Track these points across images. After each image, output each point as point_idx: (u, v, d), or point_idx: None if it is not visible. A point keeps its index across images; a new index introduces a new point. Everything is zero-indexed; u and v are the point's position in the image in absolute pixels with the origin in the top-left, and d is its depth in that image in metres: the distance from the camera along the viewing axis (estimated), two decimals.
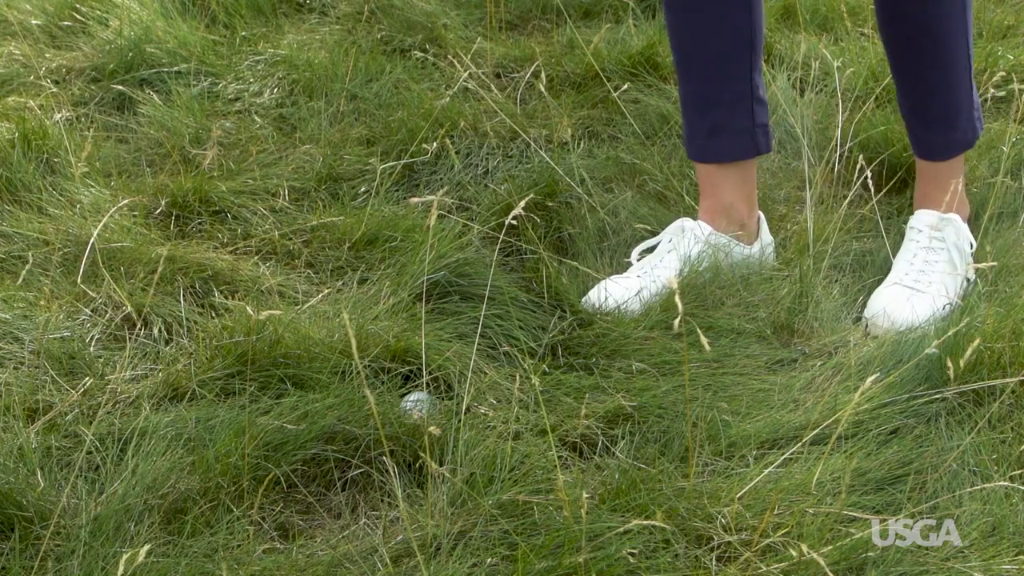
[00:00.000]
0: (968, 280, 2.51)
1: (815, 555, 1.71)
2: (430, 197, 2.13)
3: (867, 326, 2.42)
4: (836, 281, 2.54)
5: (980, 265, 2.30)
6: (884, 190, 2.78)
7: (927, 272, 2.49)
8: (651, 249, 2.58)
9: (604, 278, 2.50)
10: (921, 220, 2.55)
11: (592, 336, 2.34)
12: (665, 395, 2.20)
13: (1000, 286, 2.46)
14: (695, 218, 2.58)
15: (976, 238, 2.60)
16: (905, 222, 2.62)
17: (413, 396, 2.16)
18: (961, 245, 2.53)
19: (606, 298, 2.41)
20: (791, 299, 2.44)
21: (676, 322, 1.81)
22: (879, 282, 2.53)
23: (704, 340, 1.89)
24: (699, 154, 2.57)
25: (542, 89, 3.01)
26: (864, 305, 2.48)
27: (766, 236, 2.61)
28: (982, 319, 2.27)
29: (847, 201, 2.77)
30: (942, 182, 2.58)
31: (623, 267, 2.58)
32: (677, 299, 1.81)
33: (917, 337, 2.30)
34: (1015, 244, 2.59)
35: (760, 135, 2.55)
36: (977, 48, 3.26)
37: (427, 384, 2.20)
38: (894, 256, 2.58)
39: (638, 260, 2.56)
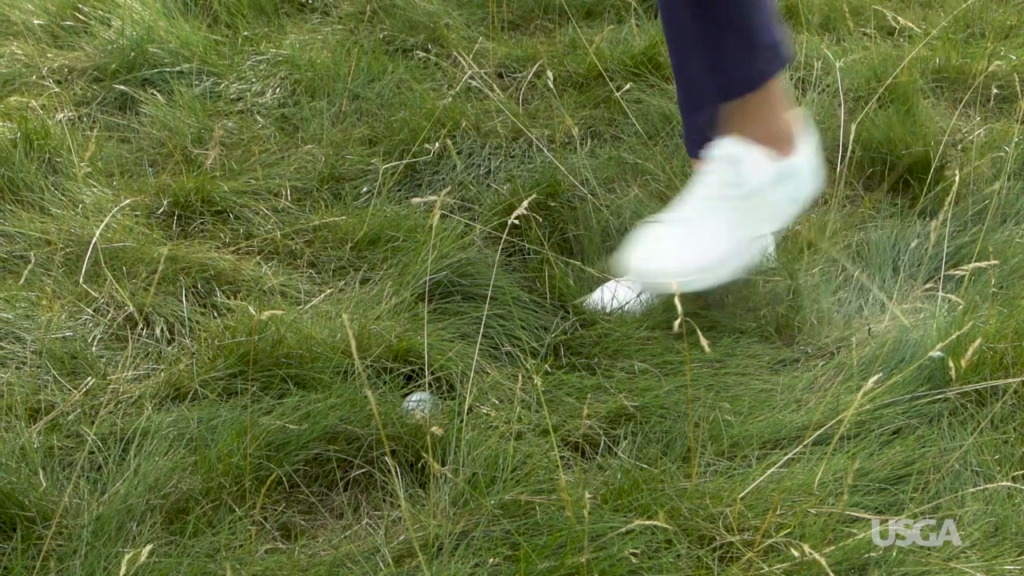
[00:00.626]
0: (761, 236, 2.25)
1: (817, 555, 1.71)
2: (432, 197, 2.13)
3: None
4: (837, 279, 2.54)
5: (981, 264, 2.29)
6: (886, 189, 2.78)
7: (702, 212, 2.25)
8: None
9: (607, 278, 2.50)
10: (718, 147, 2.31)
11: (594, 336, 2.33)
12: (667, 395, 2.20)
13: (1003, 287, 2.45)
14: None
15: (980, 239, 2.59)
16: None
17: (415, 396, 2.16)
18: (733, 155, 2.26)
19: (610, 299, 2.41)
20: (793, 298, 2.44)
21: (676, 324, 1.81)
22: (879, 279, 2.53)
23: (704, 342, 1.89)
24: (697, 150, 2.53)
25: (549, 84, 3.01)
26: (863, 307, 2.48)
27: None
28: (984, 319, 2.26)
29: (848, 200, 2.78)
30: (742, 114, 2.29)
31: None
32: (676, 301, 1.81)
33: (920, 337, 2.30)
34: (1018, 245, 2.59)
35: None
36: (979, 48, 3.26)
37: (429, 384, 2.20)
38: (894, 254, 2.57)
39: None
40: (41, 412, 2.13)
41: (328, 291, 2.44)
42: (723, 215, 2.20)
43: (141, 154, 2.91)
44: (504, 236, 2.52)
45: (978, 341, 2.13)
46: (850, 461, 2.03)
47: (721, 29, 2.23)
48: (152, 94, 3.08)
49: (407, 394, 2.18)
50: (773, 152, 2.28)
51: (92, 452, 2.02)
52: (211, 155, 2.78)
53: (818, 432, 2.08)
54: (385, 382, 2.20)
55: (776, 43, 2.28)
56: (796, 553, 1.75)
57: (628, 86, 3.09)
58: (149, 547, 1.62)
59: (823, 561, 1.70)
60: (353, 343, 1.78)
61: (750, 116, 2.27)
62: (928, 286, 2.47)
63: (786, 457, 2.02)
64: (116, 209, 2.58)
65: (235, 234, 2.62)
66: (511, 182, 2.77)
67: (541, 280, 2.44)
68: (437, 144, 2.82)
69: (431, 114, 2.93)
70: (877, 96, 3.00)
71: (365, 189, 2.78)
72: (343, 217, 2.63)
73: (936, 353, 2.16)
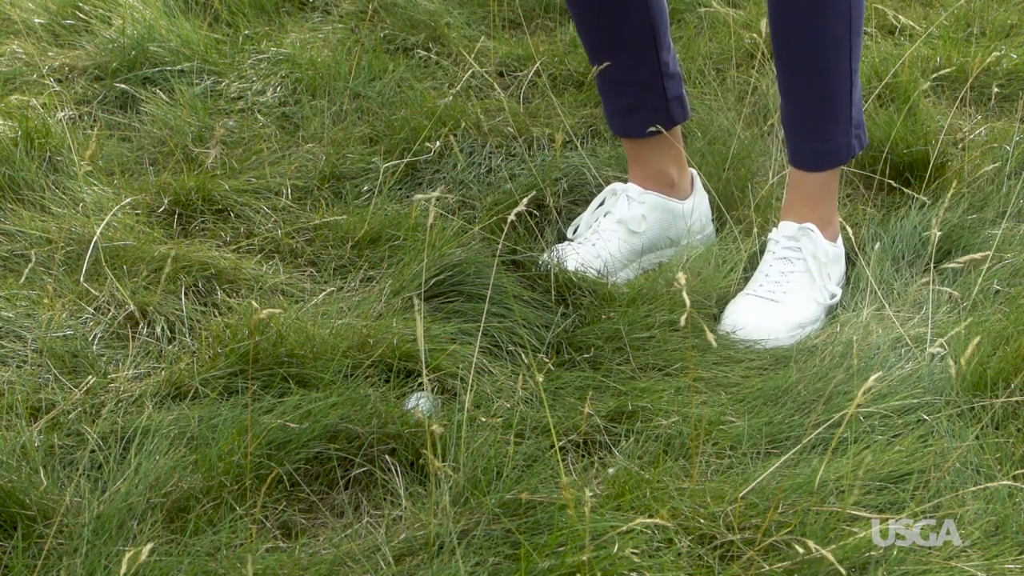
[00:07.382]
0: (833, 296, 2.47)
1: (824, 551, 1.71)
2: (432, 194, 2.13)
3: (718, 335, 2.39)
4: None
5: (977, 256, 2.28)
6: (886, 188, 2.78)
7: (782, 283, 2.45)
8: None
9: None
10: (779, 231, 2.51)
11: (596, 334, 2.33)
12: (669, 393, 2.20)
13: (1004, 285, 2.45)
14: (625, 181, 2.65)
15: (979, 236, 2.59)
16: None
17: (414, 396, 2.16)
18: (819, 255, 2.47)
19: (565, 260, 2.48)
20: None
21: (683, 319, 1.81)
22: (879, 272, 2.53)
23: (711, 337, 1.89)
24: (620, 130, 2.63)
25: (546, 85, 3.01)
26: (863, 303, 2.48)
27: (700, 192, 2.67)
28: (986, 317, 2.26)
29: (848, 198, 2.78)
30: (809, 195, 2.51)
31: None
32: (685, 295, 1.81)
33: (920, 334, 2.30)
34: (1019, 243, 2.58)
35: (675, 107, 2.60)
36: (980, 47, 3.26)
37: (429, 383, 2.20)
38: (891, 245, 2.57)
39: (574, 234, 2.62)
40: (42, 411, 2.13)
41: (329, 290, 2.44)
42: (798, 283, 2.46)
43: (142, 153, 2.91)
44: (504, 234, 2.52)
45: (977, 339, 2.13)
46: (851, 459, 2.03)
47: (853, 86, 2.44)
48: (153, 92, 3.08)
49: (405, 395, 2.18)
50: (817, 227, 2.50)
51: (93, 451, 2.02)
52: (212, 154, 2.78)
53: (819, 431, 2.08)
54: (386, 380, 2.20)
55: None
56: (800, 550, 1.75)
57: None
58: (150, 546, 1.62)
59: (830, 555, 1.70)
60: (360, 340, 1.78)
61: (810, 194, 2.52)
62: (924, 280, 2.47)
63: (787, 455, 2.02)
64: (117, 208, 2.58)
65: (236, 233, 2.62)
66: (511, 181, 2.77)
67: (541, 278, 2.44)
68: (438, 143, 2.82)
69: (432, 113, 2.93)
70: (877, 95, 3.00)
71: (366, 188, 2.78)
72: (344, 216, 2.63)
73: (936, 350, 2.16)
